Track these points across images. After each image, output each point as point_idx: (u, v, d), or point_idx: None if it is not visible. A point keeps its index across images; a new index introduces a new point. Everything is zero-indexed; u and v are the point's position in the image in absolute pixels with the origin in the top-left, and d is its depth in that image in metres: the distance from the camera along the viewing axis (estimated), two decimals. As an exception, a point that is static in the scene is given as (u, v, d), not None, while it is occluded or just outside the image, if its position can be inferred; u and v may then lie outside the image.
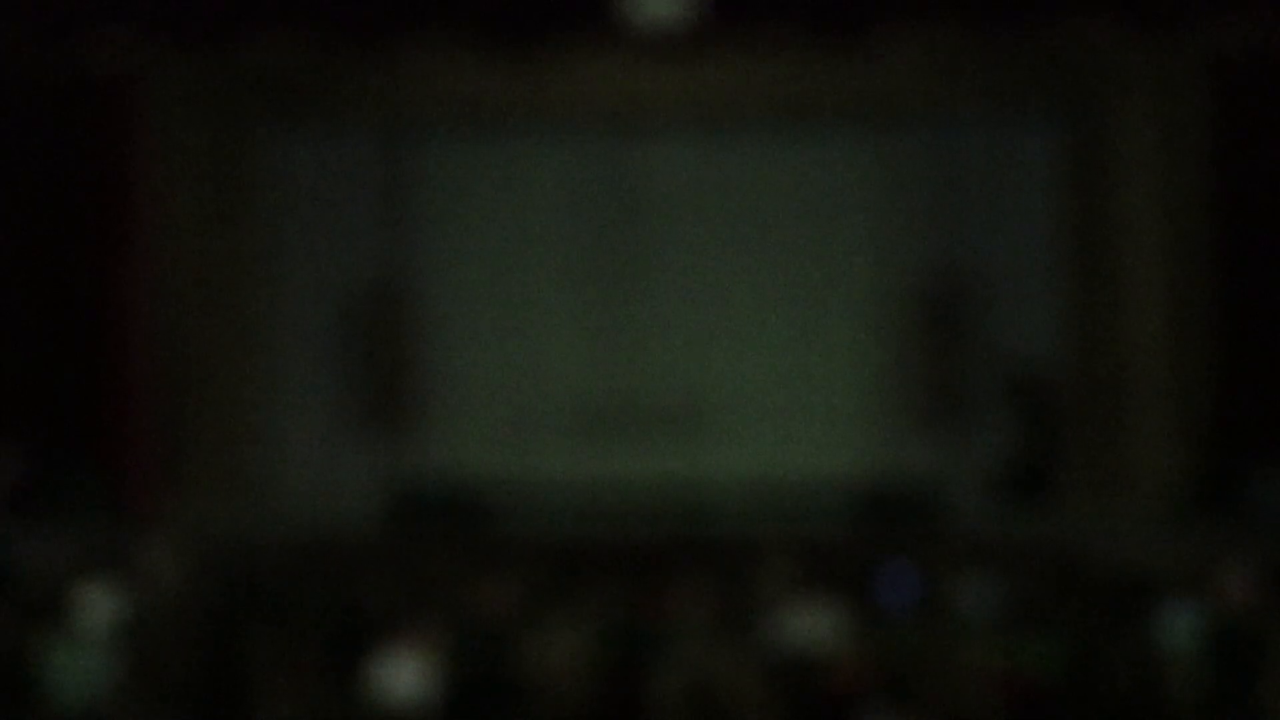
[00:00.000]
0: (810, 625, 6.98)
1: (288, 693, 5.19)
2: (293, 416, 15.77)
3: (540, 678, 5.20)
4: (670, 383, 15.97)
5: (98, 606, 8.05)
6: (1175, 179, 13.40)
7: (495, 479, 15.38)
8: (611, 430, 15.96)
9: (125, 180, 13.64)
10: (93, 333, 13.44)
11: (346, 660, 5.11)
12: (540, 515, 14.67)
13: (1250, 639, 6.30)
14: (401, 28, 12.45)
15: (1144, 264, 13.60)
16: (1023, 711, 5.40)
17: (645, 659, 6.31)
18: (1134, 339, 13.81)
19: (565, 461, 15.41)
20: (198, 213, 14.31)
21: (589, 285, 16.06)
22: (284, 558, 9.01)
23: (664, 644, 6.69)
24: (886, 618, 6.60)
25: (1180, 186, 13.38)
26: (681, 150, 15.91)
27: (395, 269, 16.30)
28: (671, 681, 6.00)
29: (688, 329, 15.98)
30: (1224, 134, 13.15)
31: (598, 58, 13.17)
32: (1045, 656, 5.91)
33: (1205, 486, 13.20)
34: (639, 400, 15.90)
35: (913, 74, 13.72)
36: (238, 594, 8.02)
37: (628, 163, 16.01)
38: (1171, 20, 12.21)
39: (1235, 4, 12.15)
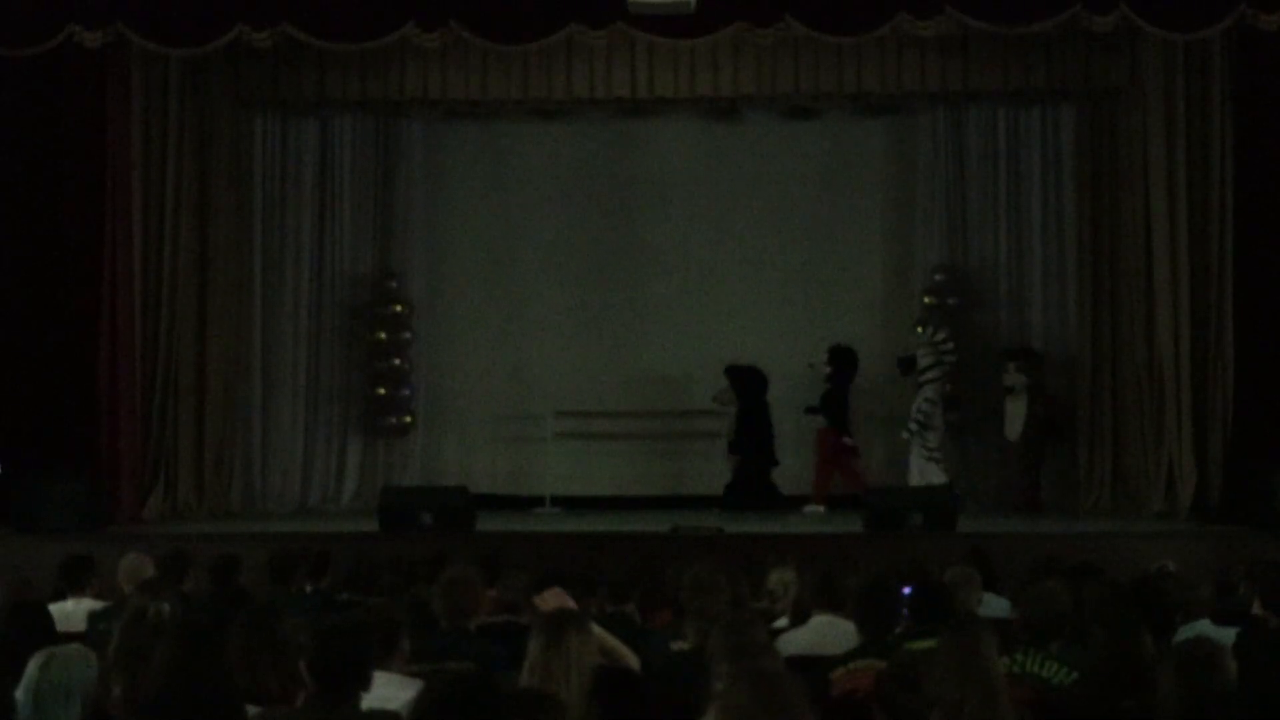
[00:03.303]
0: (816, 630, 6.81)
1: (275, 700, 5.01)
2: (282, 417, 15.63)
3: (539, 683, 5.02)
4: (670, 381, 15.79)
5: (80, 615, 7.93)
6: (1195, 164, 13.20)
7: (490, 480, 15.24)
8: (610, 429, 15.79)
9: (110, 172, 13.56)
10: (77, 336, 13.34)
11: (338, 666, 4.94)
12: (536, 517, 14.51)
13: (1275, 646, 6.13)
14: (398, 17, 12.37)
15: (1163, 254, 13.35)
16: (1039, 721, 5.22)
17: (646, 663, 6.13)
18: (1154, 336, 13.55)
19: (562, 461, 15.24)
20: (186, 207, 14.21)
21: (587, 281, 15.88)
22: (274, 561, 8.85)
23: (665, 648, 6.53)
24: (896, 623, 6.41)
25: (1201, 172, 13.18)
26: (684, 140, 15.70)
27: (389, 264, 16.14)
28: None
29: (689, 326, 15.77)
30: (1245, 114, 12.96)
31: (596, 44, 13.04)
32: (1063, 665, 5.71)
33: (1228, 491, 13.05)
34: (638, 399, 15.72)
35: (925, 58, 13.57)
36: (224, 600, 7.89)
37: (628, 156, 15.81)
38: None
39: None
